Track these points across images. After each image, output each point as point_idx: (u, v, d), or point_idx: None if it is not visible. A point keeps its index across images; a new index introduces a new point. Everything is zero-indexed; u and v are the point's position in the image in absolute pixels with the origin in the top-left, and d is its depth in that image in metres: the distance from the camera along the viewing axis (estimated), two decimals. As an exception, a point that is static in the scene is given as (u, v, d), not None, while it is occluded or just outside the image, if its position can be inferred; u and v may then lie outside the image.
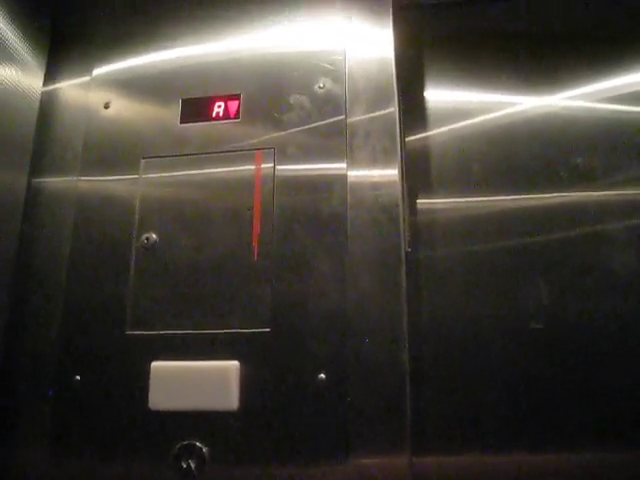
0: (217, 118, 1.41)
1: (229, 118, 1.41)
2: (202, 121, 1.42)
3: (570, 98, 1.53)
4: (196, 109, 1.43)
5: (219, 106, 1.41)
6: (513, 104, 1.54)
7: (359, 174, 1.33)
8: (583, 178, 1.47)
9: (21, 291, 1.39)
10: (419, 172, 1.50)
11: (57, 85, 1.57)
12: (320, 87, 1.39)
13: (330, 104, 1.38)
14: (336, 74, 1.40)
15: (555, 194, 1.46)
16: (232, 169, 1.37)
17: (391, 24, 1.44)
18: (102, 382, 1.28)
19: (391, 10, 1.44)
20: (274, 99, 1.40)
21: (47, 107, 1.54)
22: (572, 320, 1.37)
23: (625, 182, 1.45)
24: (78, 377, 1.30)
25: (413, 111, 1.54)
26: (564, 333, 1.36)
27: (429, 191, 1.50)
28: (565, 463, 1.31)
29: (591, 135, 1.50)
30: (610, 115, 1.51)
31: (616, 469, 1.30)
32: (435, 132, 1.54)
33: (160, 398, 1.24)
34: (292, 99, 1.39)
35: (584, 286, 1.39)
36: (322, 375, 1.21)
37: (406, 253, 1.29)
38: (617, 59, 1.55)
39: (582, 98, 1.53)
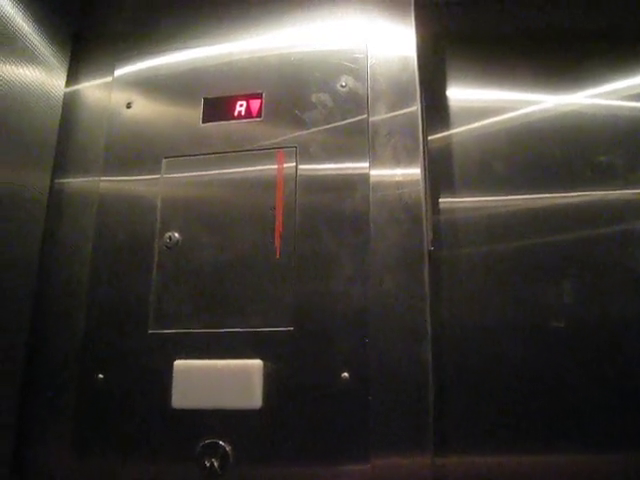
0: (239, 117, 1.41)
1: (251, 117, 1.41)
2: (224, 120, 1.42)
3: (593, 96, 1.53)
4: (218, 108, 1.43)
5: (241, 105, 1.41)
6: (535, 102, 1.53)
7: (381, 173, 1.33)
8: (606, 176, 1.46)
9: (45, 291, 1.40)
10: (441, 171, 1.50)
11: (79, 86, 1.58)
12: (342, 86, 1.38)
13: (352, 103, 1.37)
14: (358, 73, 1.39)
15: (577, 193, 1.45)
16: (254, 168, 1.37)
17: (413, 22, 1.43)
18: (125, 381, 1.29)
19: (412, 8, 1.43)
20: (296, 98, 1.40)
21: (69, 108, 1.55)
22: (594, 320, 1.36)
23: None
24: (101, 375, 1.30)
25: (435, 110, 1.53)
26: (586, 332, 1.35)
27: (451, 190, 1.50)
28: (591, 464, 1.30)
29: (614, 133, 1.49)
30: (633, 113, 1.50)
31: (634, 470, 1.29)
32: (457, 131, 1.54)
33: (183, 396, 1.24)
34: (314, 98, 1.39)
35: (606, 285, 1.38)
36: (345, 374, 1.20)
37: (429, 252, 1.29)
38: (638, 57, 1.53)
39: (605, 96, 1.52)
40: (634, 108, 1.50)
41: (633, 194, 1.44)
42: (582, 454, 1.31)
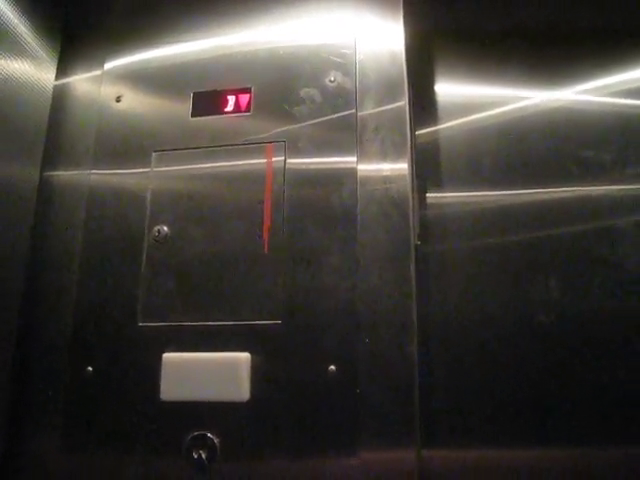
0: (228, 112, 1.42)
1: (240, 111, 1.41)
2: (213, 115, 1.42)
3: (581, 92, 1.53)
4: (207, 103, 1.43)
5: (230, 100, 1.42)
6: (524, 98, 1.54)
7: (369, 168, 1.33)
8: (593, 172, 1.46)
9: (34, 283, 1.40)
10: (429, 166, 1.50)
11: (69, 79, 1.57)
12: (331, 81, 1.39)
13: (341, 98, 1.38)
14: (347, 68, 1.40)
15: (565, 188, 1.46)
16: (243, 162, 1.37)
17: (401, 17, 1.43)
18: (114, 373, 1.30)
19: (401, 3, 1.44)
20: (285, 93, 1.41)
21: (59, 101, 1.55)
22: (581, 314, 1.37)
23: (636, 176, 1.45)
24: (90, 368, 1.31)
25: (423, 105, 1.54)
26: (572, 327, 1.37)
27: (439, 185, 1.50)
28: (574, 457, 1.31)
29: (602, 129, 1.50)
30: (621, 109, 1.51)
31: (624, 464, 1.30)
32: (445, 126, 1.55)
33: (172, 389, 1.24)
34: (303, 93, 1.39)
35: (593, 280, 1.39)
36: (332, 367, 1.21)
37: (416, 246, 1.29)
38: (628, 53, 1.54)
39: (593, 92, 1.53)
40: (622, 104, 1.51)
41: (620, 190, 1.45)
42: (569, 447, 1.32)
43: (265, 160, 1.36)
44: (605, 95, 1.53)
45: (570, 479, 1.30)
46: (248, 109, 1.41)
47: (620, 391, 1.33)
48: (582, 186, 1.46)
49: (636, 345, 1.35)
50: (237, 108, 1.41)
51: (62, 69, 1.58)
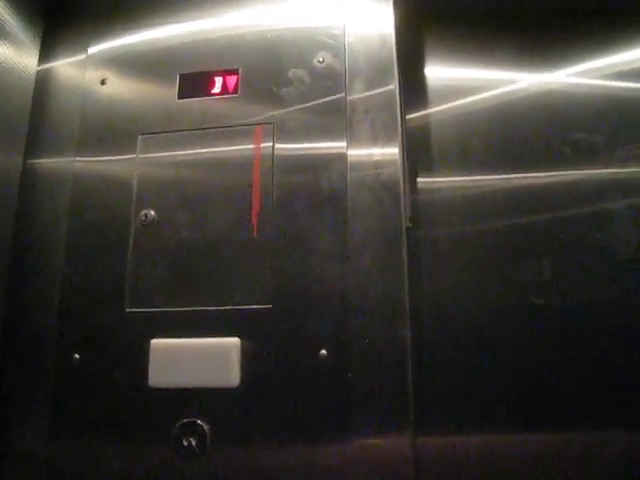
0: (215, 93, 1.39)
1: (228, 93, 1.39)
2: (200, 96, 1.40)
3: (571, 75, 1.52)
4: (194, 84, 1.41)
5: (217, 81, 1.39)
6: (514, 81, 1.53)
7: (359, 153, 1.31)
8: (585, 155, 1.46)
9: (18, 271, 1.38)
10: (419, 150, 1.49)
11: (52, 63, 1.54)
12: (319, 61, 1.37)
13: (329, 79, 1.36)
14: (336, 49, 1.38)
15: (557, 172, 1.45)
16: (231, 144, 1.35)
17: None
18: (102, 360, 1.27)
19: (391, -15, 1.42)
20: (273, 74, 1.38)
21: (42, 86, 1.52)
22: (574, 297, 1.37)
23: (627, 159, 1.44)
24: (77, 356, 1.28)
25: (413, 88, 1.52)
26: (565, 311, 1.36)
27: (429, 170, 1.49)
28: (572, 442, 1.30)
29: (593, 112, 1.49)
30: (611, 92, 1.50)
31: (618, 447, 1.29)
32: (435, 110, 1.53)
33: (160, 375, 1.23)
34: (291, 74, 1.37)
35: (586, 263, 1.38)
36: (323, 351, 1.20)
37: (407, 229, 1.28)
38: (618, 35, 1.53)
39: (583, 75, 1.52)
40: (614, 87, 1.50)
41: (612, 173, 1.44)
42: (565, 433, 1.31)
43: (253, 142, 1.33)
44: (596, 77, 1.52)
45: (568, 464, 1.29)
46: (236, 91, 1.39)
47: (616, 374, 1.32)
48: (574, 169, 1.45)
49: (630, 327, 1.34)
50: (224, 90, 1.39)
51: (45, 54, 1.54)
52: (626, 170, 1.44)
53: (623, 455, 1.29)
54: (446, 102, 1.53)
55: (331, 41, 1.38)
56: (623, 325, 1.34)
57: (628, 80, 1.50)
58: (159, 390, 1.23)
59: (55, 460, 1.26)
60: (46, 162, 1.46)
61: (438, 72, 1.57)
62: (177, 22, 1.49)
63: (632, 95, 1.50)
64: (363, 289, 1.23)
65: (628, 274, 1.37)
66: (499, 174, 1.47)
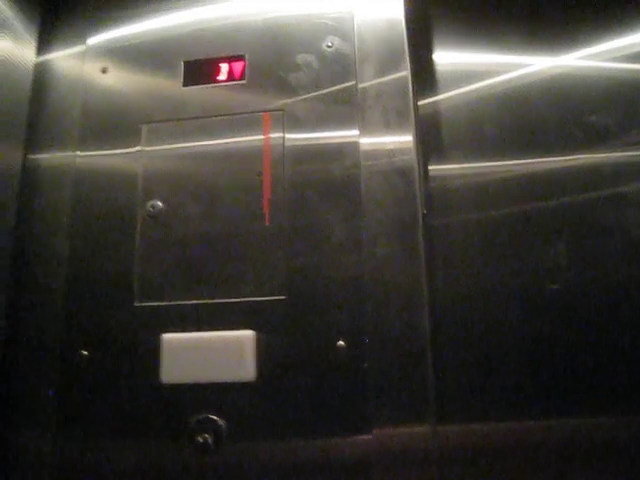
0: (222, 80, 1.36)
1: (234, 80, 1.35)
2: (206, 84, 1.36)
3: (584, 57, 1.49)
4: (199, 71, 1.37)
5: (223, 68, 1.36)
6: (525, 65, 1.49)
7: (372, 141, 1.28)
8: (599, 138, 1.43)
9: (22, 267, 1.34)
10: (430, 137, 1.46)
11: (51, 55, 1.50)
12: (328, 46, 1.33)
13: (339, 64, 1.33)
14: (344, 33, 1.34)
15: (570, 156, 1.42)
16: (239, 133, 1.32)
17: (400, -18, 1.38)
18: (110, 357, 1.24)
19: (399, -33, 1.39)
20: (280, 59, 1.35)
21: (41, 79, 1.48)
22: (589, 281, 1.34)
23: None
24: (85, 352, 1.25)
25: (423, 74, 1.49)
26: (583, 296, 1.33)
27: (441, 156, 1.46)
28: (591, 428, 1.28)
29: (606, 95, 1.46)
30: (624, 74, 1.48)
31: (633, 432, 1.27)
32: (446, 95, 1.50)
33: (173, 371, 1.19)
34: (299, 59, 1.34)
35: (601, 248, 1.36)
36: (341, 342, 1.17)
37: (423, 215, 1.25)
38: (632, 16, 1.51)
39: (596, 57, 1.49)
40: (626, 69, 1.47)
41: (627, 156, 1.42)
42: (585, 418, 1.29)
43: (262, 129, 1.30)
44: (608, 60, 1.49)
45: (585, 451, 1.26)
46: (242, 77, 1.35)
47: (633, 359, 1.29)
48: (587, 153, 1.42)
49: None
50: (231, 76, 1.36)
51: (43, 45, 1.51)
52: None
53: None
54: (457, 87, 1.50)
55: (340, 25, 1.35)
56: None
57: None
58: (172, 386, 1.19)
59: (62, 460, 1.22)
60: (47, 156, 1.42)
61: (448, 57, 1.54)
62: (179, 9, 1.45)
63: (646, 77, 1.48)
64: (379, 278, 1.20)
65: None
66: (512, 159, 1.44)
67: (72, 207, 1.35)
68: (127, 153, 1.35)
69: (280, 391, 1.17)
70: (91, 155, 1.38)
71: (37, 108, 1.45)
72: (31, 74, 1.47)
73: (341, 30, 1.35)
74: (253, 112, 1.32)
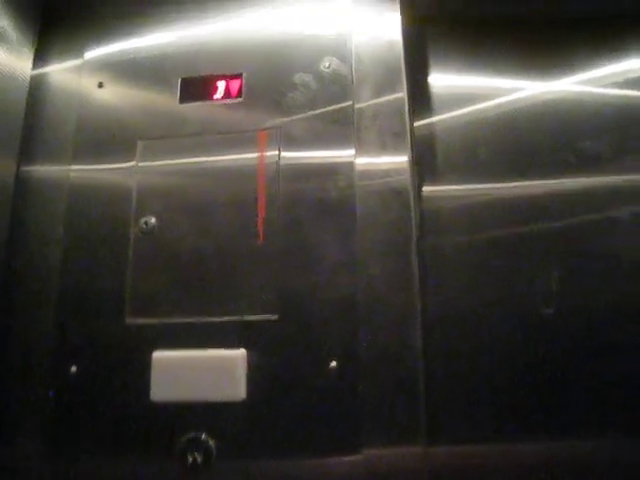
0: (218, 98, 1.36)
1: (231, 98, 1.35)
2: (203, 101, 1.36)
3: (577, 83, 1.51)
4: (196, 88, 1.37)
5: (220, 85, 1.36)
6: (521, 89, 1.50)
7: (368, 161, 1.29)
8: (591, 163, 1.44)
9: (12, 280, 1.33)
10: (425, 158, 1.46)
11: (47, 68, 1.50)
12: (326, 67, 1.34)
13: (336, 84, 1.33)
14: (342, 53, 1.35)
15: (563, 180, 1.43)
16: (234, 150, 1.31)
17: (398, 5, 1.39)
18: (100, 373, 1.23)
19: (398, -10, 1.40)
20: (278, 78, 1.35)
21: (37, 92, 1.47)
22: (581, 306, 1.34)
23: (633, 167, 1.43)
24: (75, 368, 1.23)
25: (419, 95, 1.50)
26: (573, 320, 1.33)
27: (435, 178, 1.46)
28: (580, 450, 1.28)
29: (599, 120, 1.47)
30: (617, 100, 1.49)
31: (622, 456, 1.27)
32: (441, 117, 1.50)
33: (163, 389, 1.18)
34: (297, 78, 1.34)
35: (592, 273, 1.36)
36: (333, 363, 1.16)
37: (417, 239, 1.25)
38: (624, 43, 1.52)
39: (589, 83, 1.50)
40: (620, 95, 1.49)
41: (618, 181, 1.43)
42: (578, 440, 1.28)
43: (257, 147, 1.30)
44: (602, 86, 1.50)
45: (577, 472, 1.26)
46: (239, 95, 1.35)
47: (623, 382, 1.29)
48: (580, 177, 1.43)
49: (637, 336, 1.31)
50: (228, 94, 1.36)
51: (40, 58, 1.51)
52: (632, 177, 1.42)
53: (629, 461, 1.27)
54: (452, 109, 1.50)
55: (338, 46, 1.35)
56: (631, 332, 1.32)
57: (633, 88, 1.49)
58: (162, 404, 1.18)
59: (51, 477, 1.21)
60: (41, 169, 1.42)
61: (444, 79, 1.55)
62: (177, 25, 1.46)
63: (638, 103, 1.49)
64: (373, 299, 1.20)
65: (635, 281, 1.35)
66: (506, 182, 1.44)
67: (65, 221, 1.34)
68: (121, 168, 1.35)
69: (271, 411, 1.16)
70: (85, 169, 1.37)
71: (32, 120, 1.45)
72: (27, 86, 1.47)
73: (339, 51, 1.35)
74: (249, 130, 1.32)
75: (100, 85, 1.42)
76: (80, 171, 1.37)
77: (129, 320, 1.25)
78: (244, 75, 1.37)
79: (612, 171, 1.43)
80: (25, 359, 1.28)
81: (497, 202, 1.43)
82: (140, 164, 1.34)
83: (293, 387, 1.16)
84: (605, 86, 1.50)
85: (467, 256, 1.40)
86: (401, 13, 1.40)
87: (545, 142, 1.47)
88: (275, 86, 1.35)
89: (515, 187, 1.44)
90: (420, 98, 1.50)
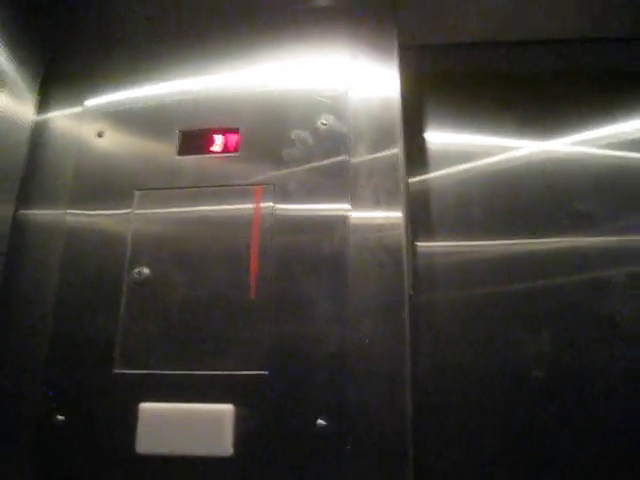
0: (216, 151, 1.37)
1: (228, 152, 1.37)
2: (200, 154, 1.38)
3: (572, 144, 1.53)
4: (194, 141, 1.39)
5: (218, 139, 1.37)
6: (515, 148, 1.53)
7: (362, 215, 1.29)
8: (584, 224, 1.45)
9: (5, 325, 1.33)
10: (419, 215, 1.48)
11: (49, 114, 1.52)
12: (323, 124, 1.35)
13: (332, 141, 1.34)
14: (339, 111, 1.37)
15: (556, 239, 1.44)
16: (230, 203, 1.32)
17: (396, 63, 1.41)
18: (87, 423, 1.21)
19: (396, 49, 1.42)
20: (275, 134, 1.37)
21: (38, 137, 1.49)
22: (573, 369, 1.34)
23: (626, 228, 1.44)
24: (61, 417, 1.22)
25: (414, 152, 1.52)
26: (565, 382, 1.33)
27: (429, 234, 1.47)
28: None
29: (592, 181, 1.50)
30: (612, 161, 1.51)
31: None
32: (436, 174, 1.52)
33: (149, 442, 1.17)
34: (294, 135, 1.35)
35: (585, 333, 1.36)
36: (321, 421, 1.15)
37: (409, 297, 1.25)
38: (619, 105, 1.55)
39: (584, 144, 1.53)
40: (613, 156, 1.51)
41: (610, 241, 1.44)
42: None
43: (253, 202, 1.31)
44: (597, 147, 1.52)
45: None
46: (236, 150, 1.37)
47: (615, 444, 1.30)
48: (573, 237, 1.45)
49: (630, 398, 1.32)
50: (225, 148, 1.37)
51: (42, 104, 1.52)
52: (626, 238, 1.43)
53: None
54: (447, 167, 1.52)
55: (335, 104, 1.37)
56: (623, 394, 1.32)
57: (627, 150, 1.51)
58: (147, 457, 1.17)
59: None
60: (38, 213, 1.42)
61: (440, 137, 1.57)
62: (177, 78, 1.48)
63: (632, 165, 1.51)
64: (363, 356, 1.19)
65: (628, 343, 1.35)
66: (499, 240, 1.46)
67: (60, 266, 1.34)
68: (117, 214, 1.35)
69: (257, 468, 1.14)
70: (82, 213, 1.38)
71: (32, 164, 1.46)
72: (29, 131, 1.48)
73: (336, 108, 1.37)
74: (245, 184, 1.33)
75: (100, 135, 1.43)
76: (77, 215, 1.38)
77: (118, 370, 1.24)
78: (241, 130, 1.38)
79: (606, 231, 1.45)
80: (11, 405, 1.27)
81: (490, 260, 1.44)
82: (136, 212, 1.34)
83: (280, 444, 1.15)
84: (600, 147, 1.52)
85: (459, 313, 1.40)
86: (399, 70, 1.42)
87: (539, 201, 1.48)
88: (272, 142, 1.36)
89: (509, 245, 1.45)
90: (415, 155, 1.52)
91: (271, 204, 1.31)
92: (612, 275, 1.41)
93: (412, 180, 1.50)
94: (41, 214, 1.43)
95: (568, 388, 1.33)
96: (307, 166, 1.33)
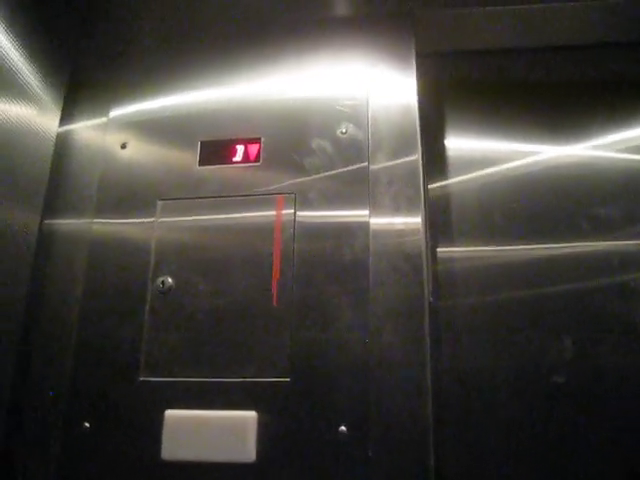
0: (237, 161, 1.39)
1: (249, 162, 1.39)
2: (221, 164, 1.40)
3: (592, 148, 1.52)
4: (215, 152, 1.41)
5: (239, 149, 1.39)
6: (534, 153, 1.53)
7: (382, 222, 1.30)
8: (604, 228, 1.45)
9: (31, 334, 1.35)
10: (439, 220, 1.48)
11: (73, 125, 1.55)
12: (342, 132, 1.37)
13: (352, 149, 1.36)
14: (359, 119, 1.38)
15: (576, 243, 1.44)
16: (251, 214, 1.34)
17: (414, 71, 1.42)
18: (113, 430, 1.24)
19: (414, 57, 1.43)
20: (295, 143, 1.38)
21: (63, 148, 1.52)
22: (594, 373, 1.34)
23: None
24: (87, 424, 1.25)
25: (434, 158, 1.52)
26: (586, 387, 1.33)
27: (449, 240, 1.48)
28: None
29: (613, 185, 1.49)
30: (632, 165, 1.50)
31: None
32: (456, 180, 1.53)
33: (174, 448, 1.19)
34: (314, 144, 1.37)
35: (605, 338, 1.36)
36: (343, 428, 1.16)
37: (429, 303, 1.26)
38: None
39: (604, 148, 1.52)
40: (633, 160, 1.50)
41: (630, 245, 1.43)
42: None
43: (274, 211, 1.32)
44: (616, 151, 1.52)
45: None
46: (257, 159, 1.38)
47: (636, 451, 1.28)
48: (593, 241, 1.44)
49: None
50: (246, 158, 1.39)
51: (66, 115, 1.55)
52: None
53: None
54: (467, 172, 1.53)
55: (354, 112, 1.39)
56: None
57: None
58: (172, 463, 1.19)
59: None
60: (63, 223, 1.45)
61: (460, 143, 1.57)
62: (200, 88, 1.50)
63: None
64: (384, 363, 1.20)
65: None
66: (519, 245, 1.46)
67: (85, 275, 1.37)
68: (142, 223, 1.38)
69: (280, 474, 1.16)
70: (107, 222, 1.41)
71: (57, 175, 1.49)
72: (53, 142, 1.50)
73: (355, 117, 1.38)
74: (267, 194, 1.34)
75: (123, 146, 1.46)
76: (102, 224, 1.41)
77: (143, 377, 1.26)
78: (262, 139, 1.40)
79: (625, 236, 1.44)
80: (39, 413, 1.30)
81: (511, 265, 1.44)
82: (159, 222, 1.37)
83: (302, 451, 1.16)
84: (619, 151, 1.52)
85: (479, 319, 1.40)
86: (417, 77, 1.43)
87: (559, 206, 1.48)
88: (292, 151, 1.38)
89: (528, 250, 1.45)
90: (435, 161, 1.53)
91: (292, 212, 1.32)
92: (633, 280, 1.40)
93: (431, 186, 1.50)
94: (66, 224, 1.45)
95: (589, 394, 1.33)
96: (327, 174, 1.34)
